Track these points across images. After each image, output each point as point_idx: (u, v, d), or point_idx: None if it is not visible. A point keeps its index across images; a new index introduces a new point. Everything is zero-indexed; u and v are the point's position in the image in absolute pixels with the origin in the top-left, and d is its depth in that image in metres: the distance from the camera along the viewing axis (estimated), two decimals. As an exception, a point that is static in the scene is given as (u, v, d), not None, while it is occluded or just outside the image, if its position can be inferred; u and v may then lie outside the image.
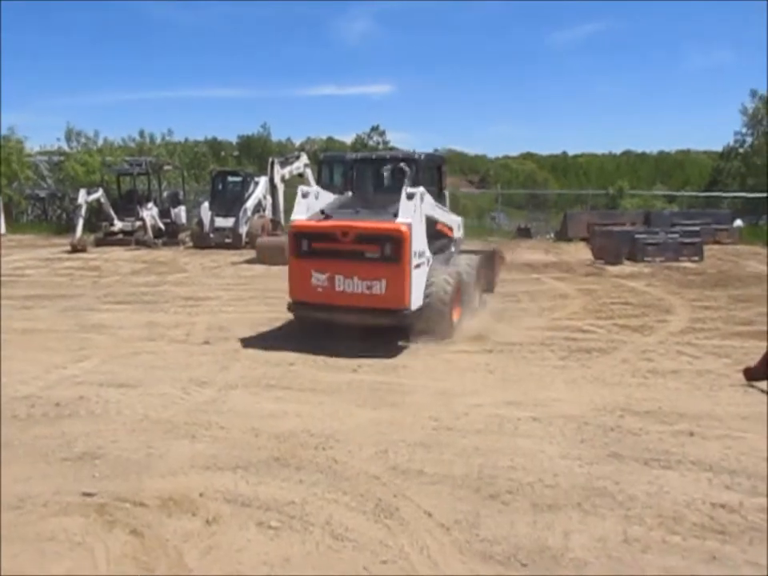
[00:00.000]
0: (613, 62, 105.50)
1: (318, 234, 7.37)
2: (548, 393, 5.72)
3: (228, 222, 19.29)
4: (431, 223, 7.93)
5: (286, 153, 27.52)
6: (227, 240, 19.09)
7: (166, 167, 22.30)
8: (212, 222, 19.62)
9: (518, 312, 9.42)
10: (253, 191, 20.03)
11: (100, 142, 33.54)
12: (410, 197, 7.14)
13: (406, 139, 75.48)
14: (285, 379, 6.17)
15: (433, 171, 9.03)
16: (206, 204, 20.08)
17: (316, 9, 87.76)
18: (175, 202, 21.76)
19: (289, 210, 22.03)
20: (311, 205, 7.70)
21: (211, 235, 19.39)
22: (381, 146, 54.32)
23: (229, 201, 19.77)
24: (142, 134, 34.26)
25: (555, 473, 4.10)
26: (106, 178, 23.88)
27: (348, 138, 56.28)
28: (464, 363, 6.72)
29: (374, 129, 63.23)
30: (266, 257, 15.28)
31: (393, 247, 6.97)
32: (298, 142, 53.50)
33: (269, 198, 17.36)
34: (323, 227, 7.34)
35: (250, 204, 19.39)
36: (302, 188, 7.95)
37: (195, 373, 6.36)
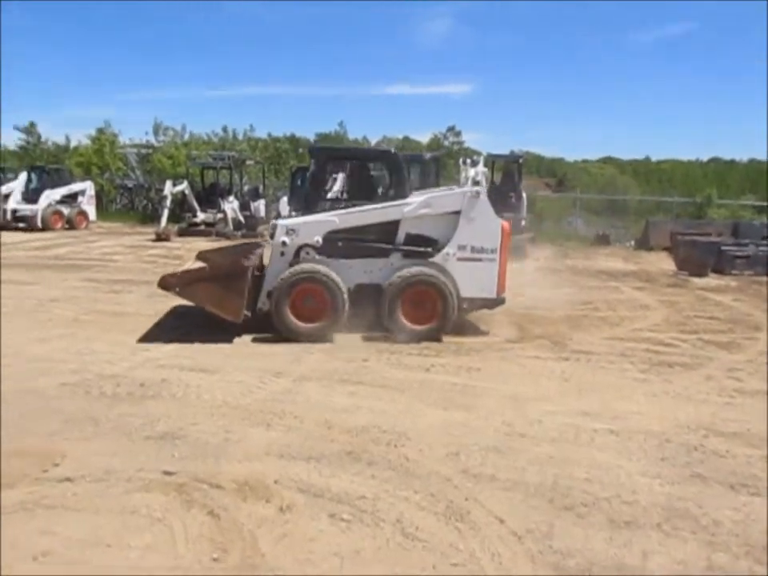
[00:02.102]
0: (700, 64, 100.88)
1: None
2: (627, 406, 5.53)
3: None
4: None
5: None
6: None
7: (248, 162, 22.93)
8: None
9: (595, 321, 9.16)
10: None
11: (186, 137, 34.91)
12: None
13: (482, 140, 74.71)
14: (357, 374, 6.21)
15: None
16: (285, 199, 20.50)
17: (396, 8, 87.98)
18: (255, 196, 22.34)
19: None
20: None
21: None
22: (456, 147, 53.98)
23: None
24: (225, 129, 35.36)
25: (634, 489, 3.96)
26: (190, 171, 24.78)
27: (424, 138, 56.24)
28: (538, 369, 6.59)
29: (450, 129, 62.93)
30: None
31: None
32: (374, 141, 53.81)
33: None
34: None
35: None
36: None
37: (270, 363, 6.50)
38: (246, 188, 22.59)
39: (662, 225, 21.56)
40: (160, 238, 18.91)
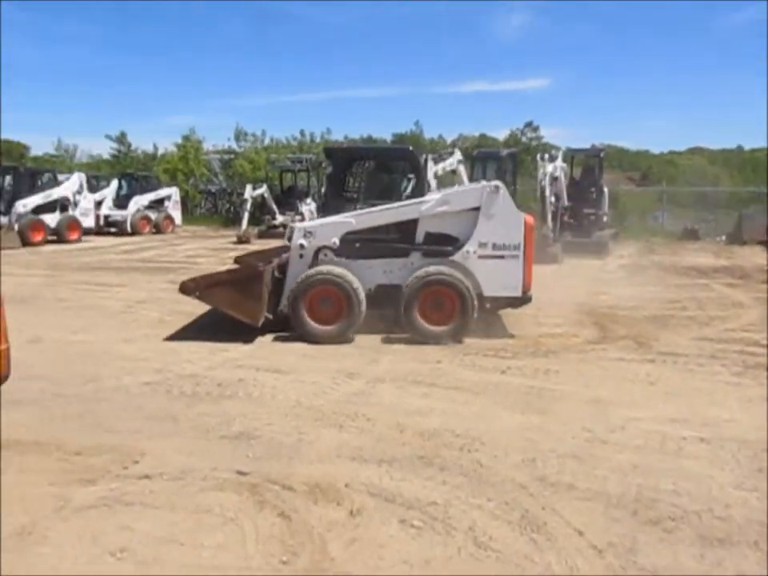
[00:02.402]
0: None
1: None
2: (719, 412, 5.18)
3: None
4: None
5: (439, 150, 27.61)
6: (379, 235, 19.53)
7: (324, 164, 23.15)
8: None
9: (683, 320, 8.69)
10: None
11: (266, 141, 35.82)
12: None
13: (562, 135, 72.74)
14: (431, 376, 6.12)
15: None
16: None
17: (471, 5, 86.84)
18: (332, 197, 22.60)
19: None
20: None
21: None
22: (534, 143, 52.86)
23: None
24: (302, 132, 36.04)
25: (727, 503, 3.68)
26: (270, 175, 25.40)
27: (501, 135, 55.37)
28: (621, 372, 6.29)
29: (528, 125, 61.65)
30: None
31: None
32: (450, 139, 53.48)
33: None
34: None
35: (403, 200, 19.67)
36: None
37: (344, 364, 6.50)
38: (323, 190, 22.84)
39: (757, 217, 20.33)
40: (241, 240, 19.45)
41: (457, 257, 7.55)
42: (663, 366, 6.47)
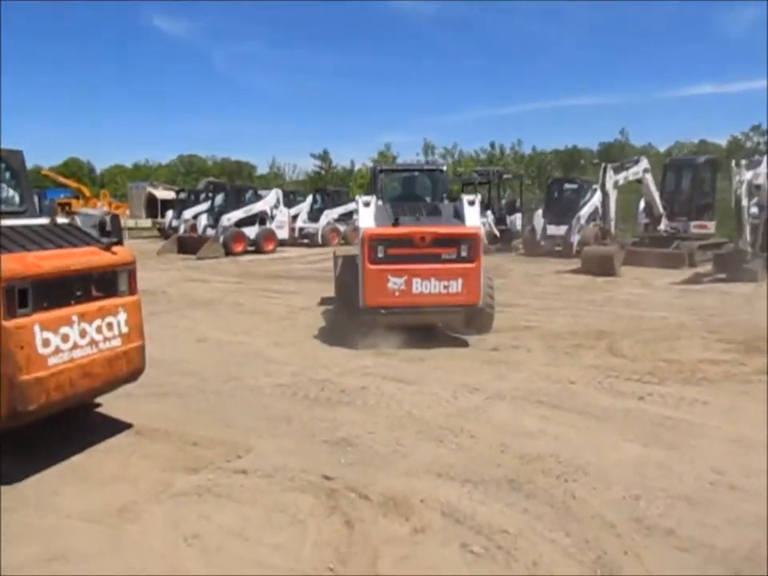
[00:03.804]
0: None
1: (393, 240, 7.50)
2: None
3: (560, 231, 19.00)
4: None
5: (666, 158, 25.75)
6: (557, 248, 18.81)
7: (505, 176, 22.92)
8: (544, 229, 19.55)
9: None
10: (589, 199, 19.35)
11: (456, 155, 36.30)
12: (471, 203, 7.80)
13: (797, 137, 63.84)
14: (558, 397, 5.76)
15: None
16: (540, 212, 20.06)
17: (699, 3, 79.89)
18: (512, 209, 22.25)
19: (626, 217, 20.55)
20: (375, 213, 7.85)
21: (542, 243, 19.36)
22: (762, 147, 47.32)
23: (563, 208, 19.45)
24: (492, 145, 35.92)
25: None
26: (455, 188, 25.65)
27: (725, 141, 50.61)
28: (788, 409, 5.39)
29: (755, 128, 55.36)
30: (591, 266, 14.61)
31: (468, 248, 7.46)
32: (665, 147, 50.00)
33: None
34: (397, 234, 7.52)
35: (584, 212, 18.78)
36: (362, 198, 8.01)
37: (471, 378, 6.37)
38: (503, 201, 22.60)
39: None
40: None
41: None
42: None
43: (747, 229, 13.07)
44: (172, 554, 3.28)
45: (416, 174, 9.98)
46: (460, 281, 7.51)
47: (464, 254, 7.51)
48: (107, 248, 4.67)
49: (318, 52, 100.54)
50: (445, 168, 10.26)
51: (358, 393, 5.93)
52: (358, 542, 3.36)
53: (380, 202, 8.50)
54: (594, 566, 3.12)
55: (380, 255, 7.54)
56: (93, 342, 4.40)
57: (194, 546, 3.35)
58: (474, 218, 7.73)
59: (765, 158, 14.13)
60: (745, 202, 12.66)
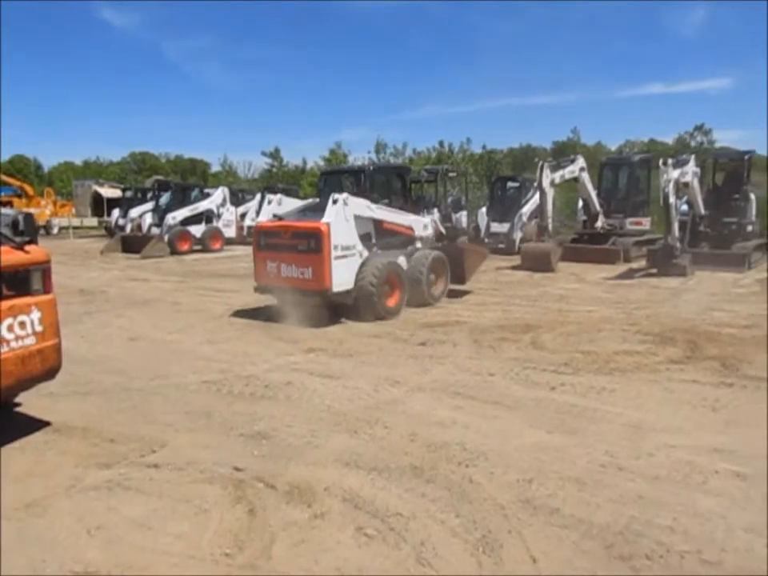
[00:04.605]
0: None
1: (270, 232, 9.34)
2: (779, 445, 4.56)
3: (503, 228, 19.41)
4: (376, 222, 9.85)
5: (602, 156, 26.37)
6: (501, 245, 19.20)
7: (451, 174, 23.20)
8: (488, 227, 19.94)
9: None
10: (531, 197, 19.79)
11: (408, 153, 36.54)
12: (335, 201, 8.92)
13: (742, 138, 66.52)
14: (475, 388, 5.98)
15: (391, 180, 11.58)
16: (484, 209, 20.45)
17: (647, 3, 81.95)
18: (457, 207, 22.59)
19: (570, 214, 20.94)
20: (275, 210, 9.70)
21: (486, 240, 19.70)
22: (705, 146, 49.06)
23: (506, 206, 19.88)
24: (441, 143, 36.31)
25: (724, 547, 3.26)
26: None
27: (672, 140, 52.39)
28: (688, 395, 5.73)
29: (698, 128, 57.29)
30: (530, 262, 15.00)
31: (316, 242, 8.75)
32: (615, 145, 51.43)
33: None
34: (272, 227, 9.38)
35: (526, 210, 19.20)
36: (268, 196, 10.28)
37: (395, 372, 6.55)
38: (449, 200, 22.92)
39: None
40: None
41: None
42: (740, 392, 5.79)
43: (676, 225, 13.62)
44: (73, 545, 3.35)
45: (343, 175, 10.75)
46: (310, 269, 8.88)
47: (313, 246, 8.81)
48: (20, 247, 4.68)
49: (271, 47, 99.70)
50: (371, 168, 10.84)
51: (281, 388, 6.05)
52: (257, 528, 3.49)
53: (289, 200, 10.29)
54: (478, 543, 3.32)
55: (262, 244, 9.49)
56: (4, 341, 4.41)
57: (97, 537, 3.42)
58: (330, 215, 8.86)
59: (692, 157, 14.74)
60: (672, 200, 13.19)
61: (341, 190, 9.97)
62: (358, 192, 10.05)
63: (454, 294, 11.39)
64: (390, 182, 11.61)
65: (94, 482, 4.07)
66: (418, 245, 10.89)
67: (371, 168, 11.51)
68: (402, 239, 10.61)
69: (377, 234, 9.98)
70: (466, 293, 11.71)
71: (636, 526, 3.49)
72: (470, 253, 11.76)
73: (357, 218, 9.33)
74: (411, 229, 10.76)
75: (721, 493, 3.87)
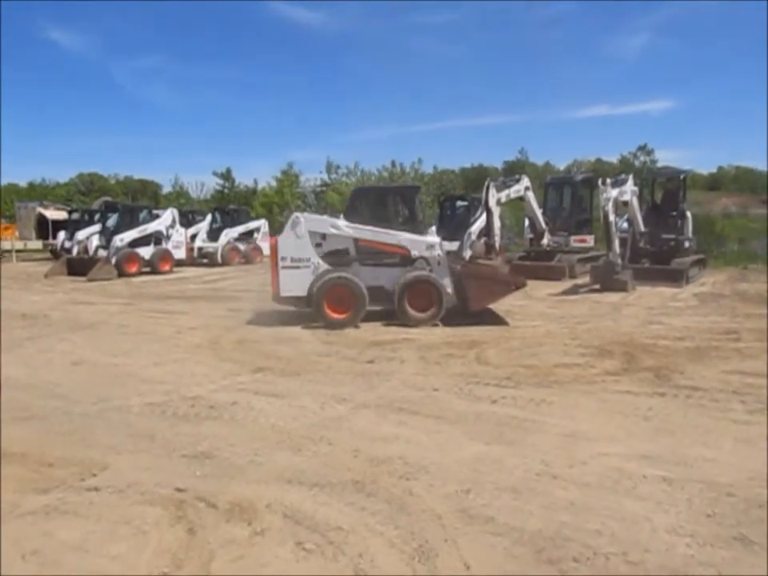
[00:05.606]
0: None
1: None
2: (703, 451, 4.80)
3: (453, 246, 19.68)
4: (355, 240, 10.66)
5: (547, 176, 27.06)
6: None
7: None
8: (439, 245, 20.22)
9: (728, 352, 8.07)
10: (479, 215, 20.17)
11: (359, 174, 36.84)
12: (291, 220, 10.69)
13: (682, 157, 69.57)
14: (419, 404, 6.10)
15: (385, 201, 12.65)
16: (434, 228, 20.74)
17: (590, 25, 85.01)
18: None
19: (519, 232, 21.37)
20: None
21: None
22: (647, 167, 50.87)
23: (455, 225, 20.22)
24: (393, 163, 36.72)
25: (648, 548, 3.43)
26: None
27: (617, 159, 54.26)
28: (621, 405, 5.96)
29: (641, 148, 59.49)
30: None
31: (271, 254, 10.74)
32: (563, 165, 53.01)
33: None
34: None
35: (474, 228, 19.52)
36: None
37: (342, 389, 6.61)
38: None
39: None
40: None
41: None
42: (671, 401, 6.06)
43: (617, 242, 14.13)
44: (7, 570, 3.31)
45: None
46: (270, 277, 10.85)
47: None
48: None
49: (221, 67, 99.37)
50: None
51: (226, 408, 6.05)
52: (196, 547, 3.50)
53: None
54: (415, 553, 3.41)
55: None
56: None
57: (30, 561, 3.38)
58: (284, 231, 10.56)
59: (630, 176, 15.35)
60: (612, 218, 13.69)
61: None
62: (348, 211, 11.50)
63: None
64: (382, 202, 12.46)
65: (31, 508, 4.00)
66: (420, 264, 10.68)
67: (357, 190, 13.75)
68: (396, 258, 10.71)
69: (357, 251, 10.70)
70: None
71: (566, 531, 3.64)
72: (475, 279, 10.79)
73: (313, 233, 10.45)
74: (404, 248, 10.65)
75: (647, 498, 4.06)
